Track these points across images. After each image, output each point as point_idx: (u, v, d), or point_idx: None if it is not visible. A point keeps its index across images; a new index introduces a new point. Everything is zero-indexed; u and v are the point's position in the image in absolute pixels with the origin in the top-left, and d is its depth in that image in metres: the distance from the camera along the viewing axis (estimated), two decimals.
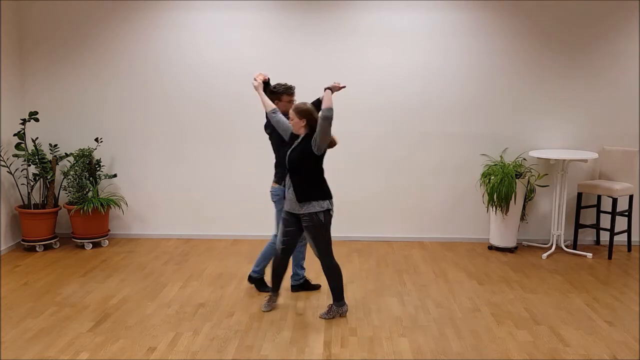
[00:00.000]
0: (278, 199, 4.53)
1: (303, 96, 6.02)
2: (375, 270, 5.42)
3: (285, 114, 4.33)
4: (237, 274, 5.26)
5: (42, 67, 6.23)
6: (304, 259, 4.82)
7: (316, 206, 4.06)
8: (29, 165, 6.02)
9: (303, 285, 4.83)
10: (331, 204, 4.13)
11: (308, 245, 4.65)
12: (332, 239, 4.26)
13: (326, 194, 4.11)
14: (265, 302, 4.45)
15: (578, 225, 6.08)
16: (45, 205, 6.03)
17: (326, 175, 4.23)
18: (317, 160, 4.08)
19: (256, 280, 4.83)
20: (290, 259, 4.48)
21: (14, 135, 5.89)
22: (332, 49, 6.10)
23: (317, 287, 4.87)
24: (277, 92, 4.54)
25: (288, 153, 4.14)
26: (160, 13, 6.11)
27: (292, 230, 4.22)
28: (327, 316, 4.28)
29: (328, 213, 4.11)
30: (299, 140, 4.12)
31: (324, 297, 4.68)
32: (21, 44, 6.18)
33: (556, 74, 6.09)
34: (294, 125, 4.09)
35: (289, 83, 4.65)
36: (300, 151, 4.08)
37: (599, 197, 6.17)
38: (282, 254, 4.29)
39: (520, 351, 3.79)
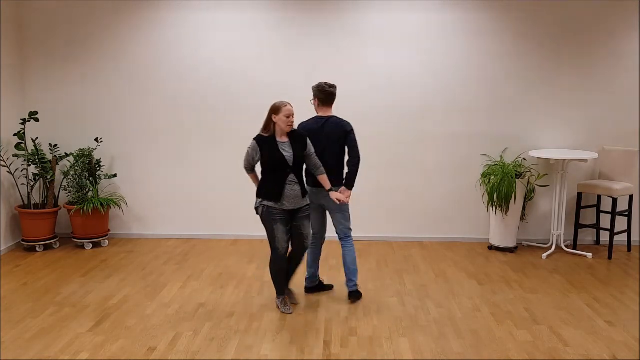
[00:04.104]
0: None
1: (303, 96, 6.03)
2: (375, 270, 5.42)
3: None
4: (237, 274, 5.26)
5: (42, 67, 6.23)
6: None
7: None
8: (29, 165, 6.02)
9: (318, 287, 4.84)
10: None
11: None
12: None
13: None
14: (282, 306, 4.44)
15: (578, 225, 6.08)
16: (45, 205, 6.03)
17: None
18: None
19: (315, 287, 4.80)
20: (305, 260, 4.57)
21: (14, 135, 5.89)
22: (332, 49, 6.10)
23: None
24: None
25: (291, 154, 4.21)
26: (160, 13, 6.11)
27: (289, 228, 4.30)
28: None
29: None
30: (290, 141, 4.25)
31: (324, 298, 4.69)
32: (21, 44, 6.19)
33: (556, 74, 6.09)
34: (289, 123, 4.20)
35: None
36: (300, 151, 4.25)
37: (599, 197, 6.17)
38: (285, 254, 4.33)
39: (520, 351, 3.79)
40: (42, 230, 5.91)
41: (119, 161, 6.36)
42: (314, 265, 4.72)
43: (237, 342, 3.90)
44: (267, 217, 4.22)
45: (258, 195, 4.29)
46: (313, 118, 4.49)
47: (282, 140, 4.24)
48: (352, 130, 4.42)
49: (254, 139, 4.23)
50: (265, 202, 4.22)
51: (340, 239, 4.59)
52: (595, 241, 6.34)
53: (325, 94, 4.42)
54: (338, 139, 4.40)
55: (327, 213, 4.65)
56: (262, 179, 4.29)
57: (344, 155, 4.49)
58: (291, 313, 4.38)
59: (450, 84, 6.14)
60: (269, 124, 4.22)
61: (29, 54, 6.21)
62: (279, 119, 4.18)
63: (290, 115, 4.18)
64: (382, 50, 6.10)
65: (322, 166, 4.37)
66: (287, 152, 4.20)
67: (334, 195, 4.33)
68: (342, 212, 4.52)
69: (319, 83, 4.46)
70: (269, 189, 4.21)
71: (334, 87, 4.44)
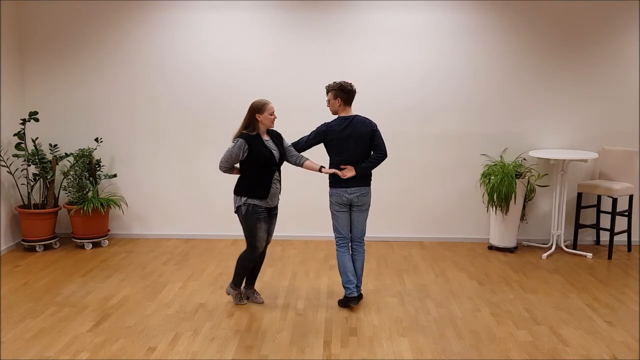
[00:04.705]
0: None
1: (302, 96, 6.04)
2: (375, 270, 5.42)
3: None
4: None
5: (42, 67, 6.23)
6: None
7: None
8: (29, 165, 6.02)
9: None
10: None
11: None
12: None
13: None
14: (236, 299, 4.55)
15: (578, 225, 6.08)
16: (45, 205, 6.02)
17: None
18: None
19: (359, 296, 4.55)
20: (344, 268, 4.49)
21: (14, 135, 5.89)
22: (332, 49, 6.09)
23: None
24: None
25: (278, 152, 4.29)
26: (160, 13, 6.11)
27: (267, 225, 4.38)
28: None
29: None
30: (270, 140, 4.31)
31: (324, 297, 4.69)
32: (21, 44, 6.18)
33: (556, 74, 6.09)
34: (274, 120, 4.31)
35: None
36: (282, 148, 4.36)
37: (599, 197, 6.16)
38: (263, 251, 4.42)
39: (520, 351, 3.79)
40: (42, 230, 5.91)
41: (119, 161, 6.36)
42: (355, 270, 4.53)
43: (237, 342, 3.90)
44: (251, 216, 4.21)
45: (240, 193, 4.25)
46: (337, 119, 4.41)
47: (265, 138, 4.28)
48: (377, 127, 4.43)
49: (242, 138, 4.18)
50: (251, 201, 4.21)
51: (354, 241, 4.53)
52: (595, 241, 6.34)
53: (347, 93, 4.36)
54: (366, 137, 4.36)
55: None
56: (244, 177, 4.27)
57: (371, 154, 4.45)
58: (245, 304, 4.49)
59: (449, 84, 6.13)
60: (253, 123, 4.23)
61: (29, 54, 6.21)
62: (264, 117, 4.21)
63: (274, 112, 4.25)
64: (382, 50, 6.10)
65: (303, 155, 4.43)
66: (274, 150, 4.27)
67: (332, 169, 4.32)
68: (366, 214, 4.50)
69: (340, 83, 4.36)
70: (255, 187, 4.21)
71: (352, 85, 4.41)
